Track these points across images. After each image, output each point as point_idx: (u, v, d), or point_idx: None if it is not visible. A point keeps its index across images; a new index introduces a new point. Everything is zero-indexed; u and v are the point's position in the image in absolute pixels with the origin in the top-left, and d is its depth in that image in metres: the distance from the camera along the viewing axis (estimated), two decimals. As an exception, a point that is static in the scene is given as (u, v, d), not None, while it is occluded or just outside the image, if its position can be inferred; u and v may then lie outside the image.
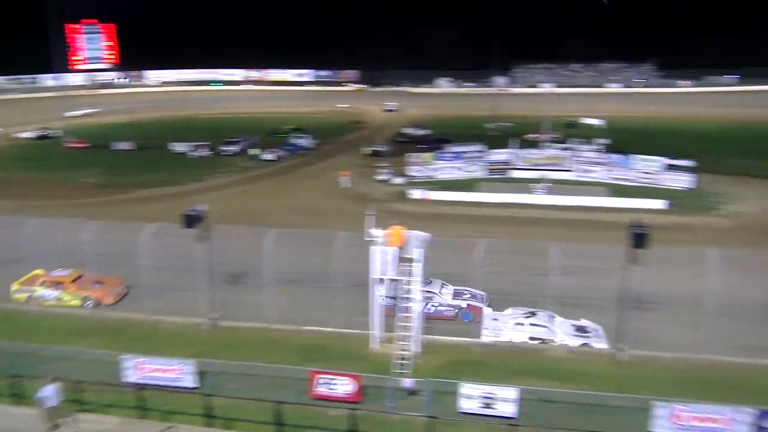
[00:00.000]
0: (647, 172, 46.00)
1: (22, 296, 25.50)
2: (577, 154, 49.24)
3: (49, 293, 25.32)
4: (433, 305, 23.93)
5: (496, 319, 22.72)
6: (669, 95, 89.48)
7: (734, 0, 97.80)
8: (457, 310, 23.99)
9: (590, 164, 48.06)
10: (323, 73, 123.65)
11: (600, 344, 21.70)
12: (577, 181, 46.96)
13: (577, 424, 16.00)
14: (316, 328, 22.40)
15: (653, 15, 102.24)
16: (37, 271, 26.12)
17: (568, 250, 22.36)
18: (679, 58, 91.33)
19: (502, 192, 43.58)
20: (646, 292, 22.68)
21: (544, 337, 21.95)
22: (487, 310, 23.32)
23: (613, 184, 45.84)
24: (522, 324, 22.21)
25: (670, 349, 20.80)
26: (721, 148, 59.04)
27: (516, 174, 48.61)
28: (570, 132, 63.44)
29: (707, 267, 20.36)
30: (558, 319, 22.48)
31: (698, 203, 41.38)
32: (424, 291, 22.98)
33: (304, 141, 63.94)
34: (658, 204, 40.06)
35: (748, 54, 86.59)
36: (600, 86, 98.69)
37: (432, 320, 23.15)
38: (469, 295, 24.39)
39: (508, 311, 23.13)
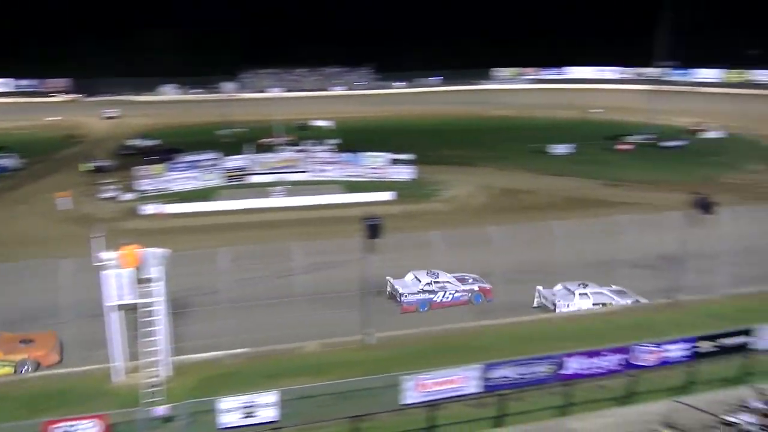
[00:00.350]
0: (375, 168, 49.73)
1: None
2: (311, 156, 51.14)
3: None
4: (450, 293, 25.18)
5: (554, 295, 24.67)
6: (387, 96, 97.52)
7: (436, 14, 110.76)
8: (470, 294, 25.22)
9: (324, 164, 50.30)
10: (24, 82, 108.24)
11: (643, 299, 24.88)
12: (313, 181, 48.73)
13: (337, 412, 16.60)
14: (44, 372, 19.70)
15: (370, 22, 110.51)
16: None
17: (310, 248, 23.08)
18: (393, 62, 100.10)
19: (241, 198, 43.31)
20: (386, 276, 24.53)
21: (605, 302, 24.49)
22: (539, 287, 25.13)
23: (346, 181, 48.56)
24: (586, 294, 24.43)
25: (411, 326, 22.80)
26: (434, 141, 66.44)
27: (254, 179, 48.66)
28: (302, 134, 65.51)
29: (432, 247, 22.78)
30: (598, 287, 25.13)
31: (420, 192, 45.97)
32: (436, 282, 25.21)
33: (7, 161, 55.52)
34: (387, 196, 43.58)
35: (448, 59, 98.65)
36: (325, 89, 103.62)
37: (448, 307, 24.74)
38: (471, 279, 25.79)
39: (558, 287, 25.16)
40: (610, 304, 24.87)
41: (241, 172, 49.04)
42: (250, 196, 43.79)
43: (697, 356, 20.09)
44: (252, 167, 49.38)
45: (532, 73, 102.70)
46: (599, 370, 19.32)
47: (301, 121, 75.28)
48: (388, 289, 25.81)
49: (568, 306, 24.43)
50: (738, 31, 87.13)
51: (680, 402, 16.44)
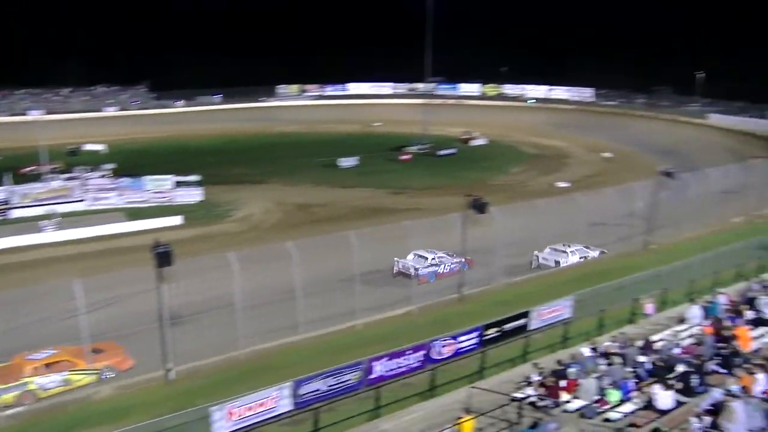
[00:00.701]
0: (159, 192, 46.92)
1: (9, 396, 19.28)
2: (86, 183, 46.69)
3: (50, 380, 19.95)
4: (448, 265, 30.10)
5: (550, 256, 31.57)
6: (165, 116, 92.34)
7: (212, 31, 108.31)
8: (459, 265, 29.78)
9: (101, 191, 46.23)
10: None
11: (606, 251, 32.75)
12: (90, 210, 44.54)
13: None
14: None
15: (142, 39, 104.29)
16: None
17: (95, 283, 21.04)
18: (169, 80, 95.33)
19: (3, 236, 37.91)
20: (182, 305, 23.21)
21: (586, 255, 31.83)
22: (536, 252, 31.81)
23: (128, 208, 45.12)
24: (575, 251, 31.45)
25: (215, 353, 21.85)
26: (220, 160, 64.61)
27: (17, 213, 43.07)
28: (73, 160, 59.69)
29: (230, 269, 22.05)
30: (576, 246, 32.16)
31: (211, 213, 44.43)
32: (438, 257, 30.16)
33: None
34: (176, 220, 41.34)
35: (226, 76, 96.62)
36: (97, 111, 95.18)
37: (447, 276, 29.56)
38: (454, 255, 30.19)
39: (547, 250, 31.77)
40: (587, 256, 32.02)
41: (0, 206, 43.09)
42: (12, 233, 38.48)
43: (486, 342, 22.09)
44: (14, 200, 43.64)
45: (315, 89, 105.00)
46: (403, 369, 20.31)
47: (71, 145, 68.50)
48: (398, 268, 30.18)
49: (567, 262, 31.21)
50: (491, 51, 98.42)
51: (476, 387, 17.83)
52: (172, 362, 20.62)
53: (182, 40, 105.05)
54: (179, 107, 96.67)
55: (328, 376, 18.81)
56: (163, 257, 19.51)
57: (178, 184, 47.60)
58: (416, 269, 29.46)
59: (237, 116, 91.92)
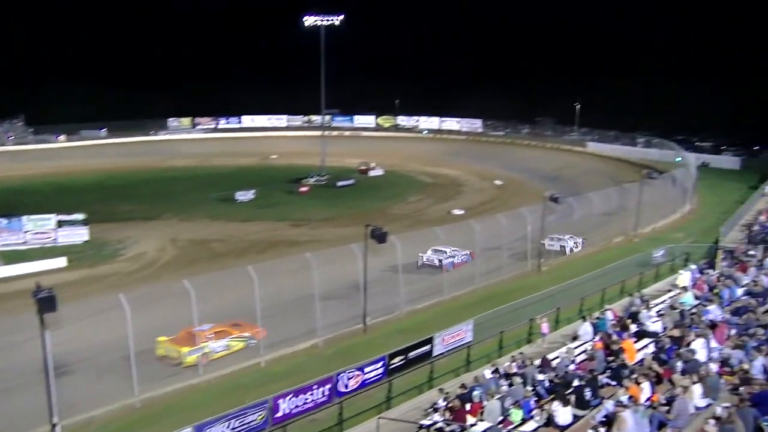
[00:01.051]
0: (40, 232, 43.69)
1: (193, 357, 23.31)
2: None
3: (218, 345, 24.10)
4: (459, 257, 35.37)
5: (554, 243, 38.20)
6: (46, 151, 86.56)
7: (92, 62, 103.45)
8: (466, 257, 35.44)
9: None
10: None
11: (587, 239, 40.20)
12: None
13: None
14: None
15: (14, 69, 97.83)
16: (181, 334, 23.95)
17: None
18: (48, 113, 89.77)
19: None
20: (69, 352, 21.63)
21: (578, 242, 39.06)
22: (542, 241, 36.82)
23: (4, 250, 41.61)
24: (569, 239, 38.48)
25: (107, 402, 20.46)
26: (107, 197, 61.18)
27: None
28: (-63, 201, 54.51)
29: (121, 311, 20.79)
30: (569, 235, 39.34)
31: (100, 253, 41.88)
32: (453, 250, 35.28)
33: None
34: (60, 262, 38.53)
35: (111, 109, 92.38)
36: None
37: (460, 267, 34.84)
38: (460, 250, 35.66)
39: (547, 239, 37.61)
40: (577, 243, 39.06)
41: None
42: None
43: (392, 371, 22.14)
44: None
45: (208, 122, 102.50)
46: (310, 405, 19.92)
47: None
48: (424, 260, 35.20)
49: (569, 246, 38.48)
50: (384, 84, 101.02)
51: (384, 417, 17.78)
52: (58, 416, 19.05)
53: (62, 70, 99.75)
54: (60, 142, 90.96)
55: (232, 418, 18.11)
56: (46, 302, 18.12)
57: (61, 223, 44.48)
58: (440, 260, 34.77)
59: (125, 151, 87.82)
